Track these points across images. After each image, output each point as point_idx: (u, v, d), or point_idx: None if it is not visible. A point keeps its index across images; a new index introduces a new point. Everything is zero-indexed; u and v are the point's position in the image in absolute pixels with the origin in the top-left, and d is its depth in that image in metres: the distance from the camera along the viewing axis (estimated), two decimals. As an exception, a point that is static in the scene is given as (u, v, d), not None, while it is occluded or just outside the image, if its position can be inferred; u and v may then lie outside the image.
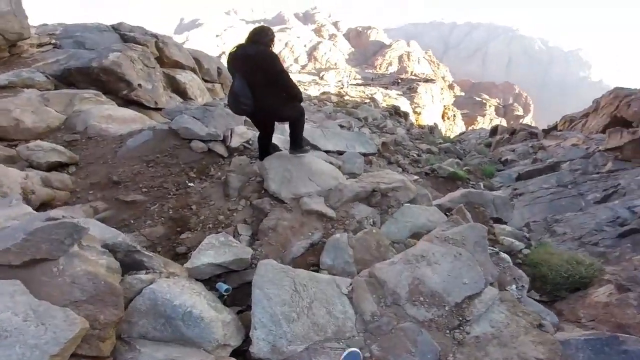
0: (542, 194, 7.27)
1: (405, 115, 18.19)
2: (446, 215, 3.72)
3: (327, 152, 3.77)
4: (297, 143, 3.50)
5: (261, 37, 2.90)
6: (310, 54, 55.30)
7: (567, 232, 5.40)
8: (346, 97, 20.62)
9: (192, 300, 1.70)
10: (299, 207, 2.82)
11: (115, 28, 8.57)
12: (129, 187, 3.38)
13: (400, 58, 57.11)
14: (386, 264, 2.16)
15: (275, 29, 59.59)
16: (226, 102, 3.00)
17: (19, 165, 3.41)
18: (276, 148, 3.60)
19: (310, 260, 2.49)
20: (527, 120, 60.34)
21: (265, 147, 3.42)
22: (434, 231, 2.52)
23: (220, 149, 3.66)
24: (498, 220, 4.48)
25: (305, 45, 56.66)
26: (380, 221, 2.94)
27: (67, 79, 5.50)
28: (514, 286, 2.60)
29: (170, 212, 3.12)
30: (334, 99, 17.31)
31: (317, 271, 2.37)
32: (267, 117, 3.13)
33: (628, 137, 7.50)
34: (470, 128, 49.70)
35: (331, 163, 3.51)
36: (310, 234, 2.67)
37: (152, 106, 5.91)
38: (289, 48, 56.74)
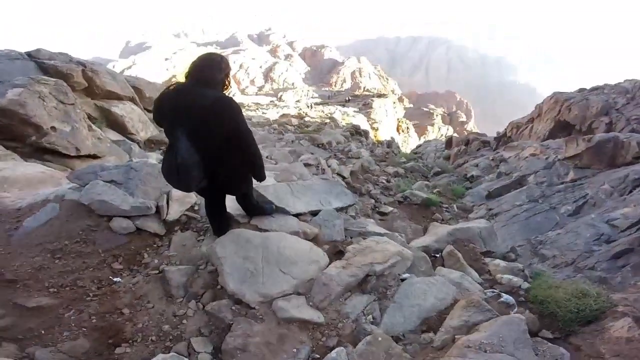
0: (516, 212, 7.22)
1: (366, 133, 18.09)
2: (434, 257, 3.40)
3: (298, 215, 3.04)
4: (255, 211, 2.86)
5: (213, 74, 2.03)
6: (267, 75, 54.92)
7: (557, 255, 5.24)
8: (307, 118, 20.13)
9: None
10: (273, 314, 2.05)
11: (31, 56, 7.17)
12: (30, 287, 2.40)
13: (352, 74, 58.92)
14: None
15: (228, 51, 58.52)
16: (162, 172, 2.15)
17: None
18: (231, 221, 2.80)
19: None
20: (470, 125, 65.02)
21: (219, 220, 2.62)
22: (462, 338, 1.91)
23: (153, 225, 2.75)
24: (487, 253, 4.23)
25: (261, 67, 56.20)
26: (380, 310, 2.27)
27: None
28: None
29: (94, 320, 2.23)
30: (295, 121, 16.66)
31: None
32: (221, 192, 2.38)
33: (584, 145, 7.77)
34: (422, 138, 52.02)
35: (305, 233, 2.79)
36: (294, 350, 1.93)
37: (72, 154, 4.77)
38: (244, 70, 55.84)
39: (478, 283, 3.04)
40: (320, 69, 62.21)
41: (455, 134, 47.35)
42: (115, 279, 2.49)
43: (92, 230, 2.62)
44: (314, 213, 3.20)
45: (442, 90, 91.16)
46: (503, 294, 2.68)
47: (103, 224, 2.65)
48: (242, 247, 2.33)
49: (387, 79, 64.60)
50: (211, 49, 61.61)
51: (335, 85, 56.82)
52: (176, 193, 3.03)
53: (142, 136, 7.93)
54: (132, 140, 7.61)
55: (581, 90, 15.13)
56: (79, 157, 4.96)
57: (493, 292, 2.76)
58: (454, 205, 7.85)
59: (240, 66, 55.94)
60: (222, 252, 2.29)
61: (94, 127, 6.30)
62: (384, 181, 8.29)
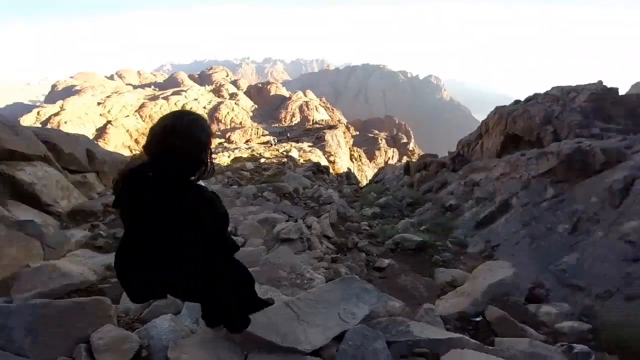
0: (516, 239, 6.72)
1: (327, 170, 17.51)
2: (474, 322, 3.02)
3: (317, 352, 1.90)
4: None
5: (188, 150, 1.41)
6: (212, 116, 53.04)
7: (592, 285, 4.55)
8: (262, 160, 18.91)
9: None
10: None
11: None
12: None
13: (300, 108, 59.81)
14: None
15: (169, 92, 55.94)
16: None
17: None
18: None
19: None
20: (411, 145, 69.09)
21: None
22: None
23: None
24: (530, 300, 3.97)
25: (205, 108, 54.32)
26: None
27: None
28: None
29: None
30: (250, 165, 15.34)
31: None
32: None
33: (555, 160, 7.65)
34: (373, 163, 53.43)
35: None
36: None
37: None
38: (187, 110, 53.56)
39: (541, 340, 2.66)
40: (268, 106, 62.19)
41: (406, 158, 49.35)
42: None
43: None
44: (338, 337, 2.09)
45: (382, 116, 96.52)
46: (575, 345, 2.49)
47: None
48: None
49: (332, 109, 66.80)
50: (149, 91, 58.54)
51: (285, 121, 56.93)
52: (100, 341, 1.72)
53: (64, 206, 6.09)
54: (50, 213, 5.77)
55: (517, 102, 16.04)
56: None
57: (563, 345, 2.53)
58: (448, 242, 7.23)
59: (183, 107, 53.62)
60: None
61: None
62: (367, 227, 7.42)
